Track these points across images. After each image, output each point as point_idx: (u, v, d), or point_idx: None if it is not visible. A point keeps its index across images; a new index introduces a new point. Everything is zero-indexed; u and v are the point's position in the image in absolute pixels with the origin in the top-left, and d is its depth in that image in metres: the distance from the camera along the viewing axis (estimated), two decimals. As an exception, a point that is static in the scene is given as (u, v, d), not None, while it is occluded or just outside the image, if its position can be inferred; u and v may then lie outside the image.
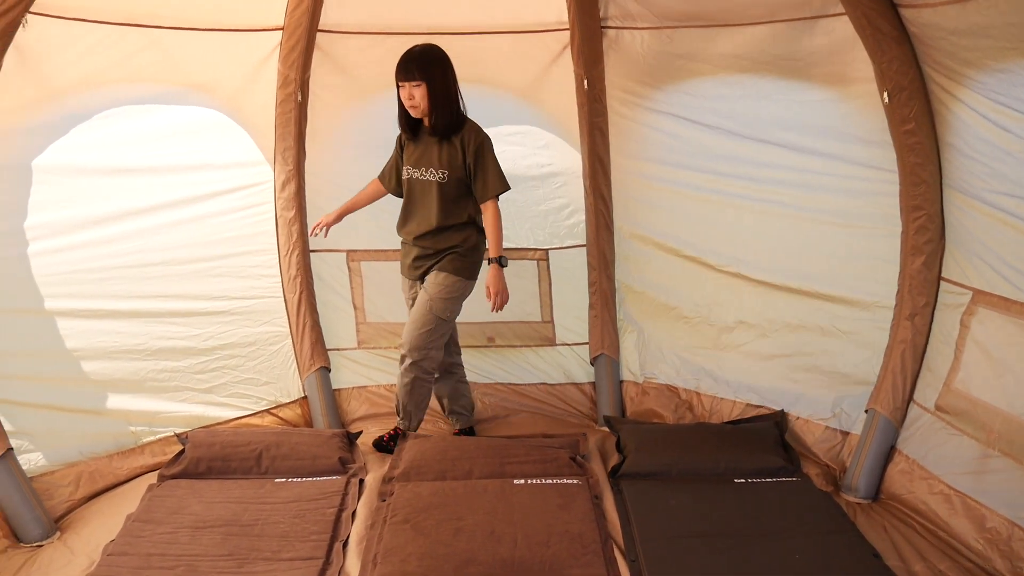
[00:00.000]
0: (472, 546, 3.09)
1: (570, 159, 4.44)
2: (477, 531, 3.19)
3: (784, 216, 3.98)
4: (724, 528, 3.26)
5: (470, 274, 3.82)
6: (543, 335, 4.59)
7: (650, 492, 3.54)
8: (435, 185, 3.71)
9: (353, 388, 4.58)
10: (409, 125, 3.70)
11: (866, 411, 3.69)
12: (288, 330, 4.42)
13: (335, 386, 4.52)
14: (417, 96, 3.56)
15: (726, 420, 4.24)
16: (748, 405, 4.21)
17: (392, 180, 3.93)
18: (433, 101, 3.59)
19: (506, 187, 3.71)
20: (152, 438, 3.93)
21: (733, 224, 4.17)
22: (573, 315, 4.59)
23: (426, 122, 3.68)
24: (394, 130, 4.11)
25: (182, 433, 3.94)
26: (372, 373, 4.58)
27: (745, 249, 4.16)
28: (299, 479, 3.63)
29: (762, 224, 4.07)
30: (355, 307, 4.57)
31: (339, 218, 3.99)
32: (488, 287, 3.77)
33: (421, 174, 3.74)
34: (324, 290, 4.51)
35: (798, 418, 4.03)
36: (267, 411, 4.35)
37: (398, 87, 3.59)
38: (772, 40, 3.78)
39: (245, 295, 4.27)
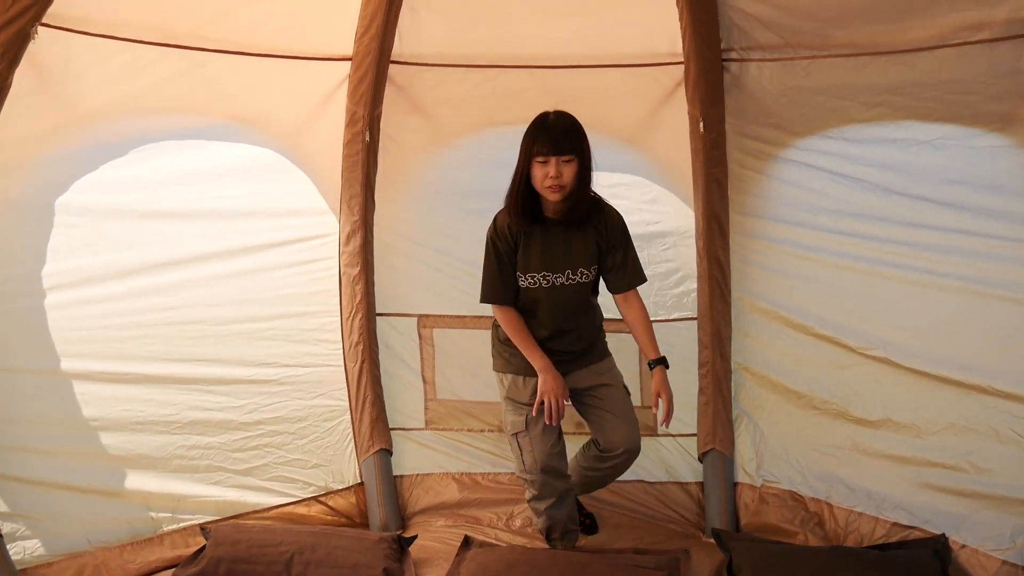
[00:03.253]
0: None
1: (681, 216, 3.92)
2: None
3: (946, 289, 3.35)
4: None
5: None
6: (643, 423, 3.89)
7: (771, 636, 2.82)
8: (579, 287, 3.18)
9: (417, 475, 4.07)
10: (528, 215, 3.09)
11: (1059, 544, 2.96)
12: (346, 405, 3.97)
13: (396, 472, 4.04)
14: (566, 175, 2.98)
15: (868, 543, 3.50)
16: (895, 525, 3.49)
17: (511, 294, 3.21)
18: (582, 180, 3.04)
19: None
20: (174, 526, 3.48)
21: (880, 298, 3.56)
22: (680, 401, 3.77)
23: (552, 209, 3.08)
24: (478, 179, 3.87)
25: (207, 525, 3.47)
26: (440, 459, 4.07)
27: (895, 329, 3.53)
28: (334, 593, 3.03)
29: (918, 299, 3.45)
30: (424, 381, 4.09)
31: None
32: (658, 394, 3.22)
33: (567, 279, 3.15)
34: (390, 360, 4.05)
35: (964, 546, 3.28)
36: (315, 499, 3.85)
37: (531, 163, 2.98)
38: (938, 70, 3.21)
39: (298, 362, 3.85)
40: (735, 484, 3.92)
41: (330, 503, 3.87)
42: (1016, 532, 3.15)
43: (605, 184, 3.77)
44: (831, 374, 3.71)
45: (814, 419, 3.77)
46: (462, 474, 4.03)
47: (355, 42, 3.63)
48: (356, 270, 3.87)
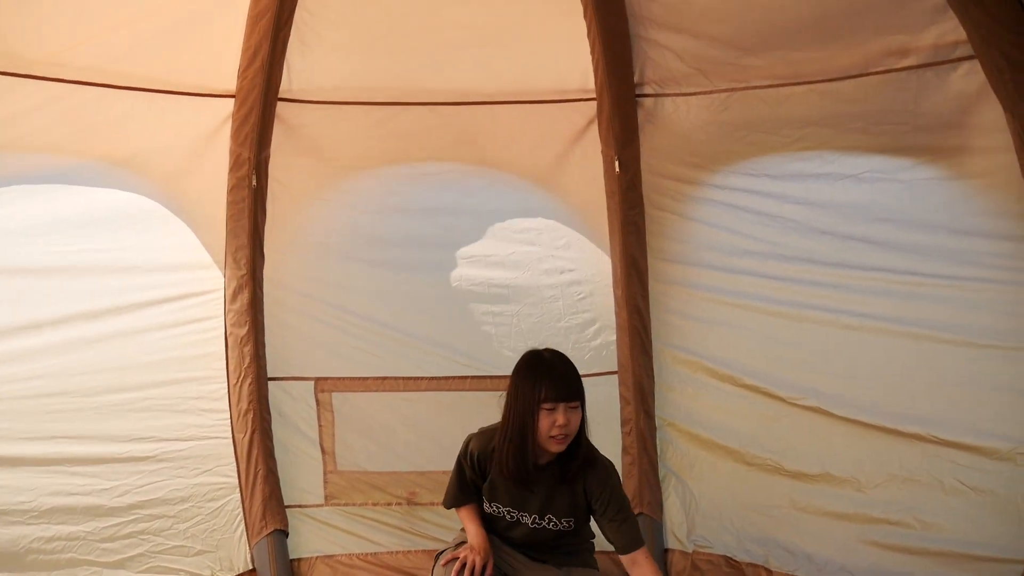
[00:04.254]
0: None
1: (597, 263, 3.88)
2: None
3: (879, 333, 3.35)
4: None
5: None
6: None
7: None
8: (554, 533, 2.91)
9: (317, 557, 3.75)
10: (529, 467, 2.80)
11: (1014, 601, 2.93)
12: (235, 481, 3.67)
13: (293, 555, 3.73)
14: (573, 423, 2.73)
15: None
16: None
17: (472, 498, 3.04)
18: (582, 429, 2.81)
19: None
20: None
21: (810, 345, 3.53)
22: (602, 462, 3.78)
23: (541, 456, 2.83)
24: (379, 227, 3.81)
25: None
26: (342, 538, 3.78)
27: (827, 377, 3.50)
28: None
29: (849, 344, 3.44)
30: (323, 451, 3.82)
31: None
32: None
33: (533, 522, 2.89)
34: (284, 429, 3.78)
35: (913, 610, 3.22)
36: None
37: (537, 410, 2.74)
38: (864, 99, 3.27)
39: (179, 435, 3.56)
40: (665, 551, 3.76)
41: (217, 594, 3.54)
42: (968, 590, 3.11)
43: (514, 229, 3.89)
44: (762, 427, 3.64)
45: (747, 476, 3.67)
46: (368, 554, 3.77)
47: (238, 76, 3.45)
48: (244, 330, 3.64)
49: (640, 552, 2.82)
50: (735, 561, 3.60)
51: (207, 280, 3.64)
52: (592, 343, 3.86)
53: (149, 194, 3.47)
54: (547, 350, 2.85)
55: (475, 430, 3.59)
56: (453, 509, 3.06)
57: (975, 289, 3.13)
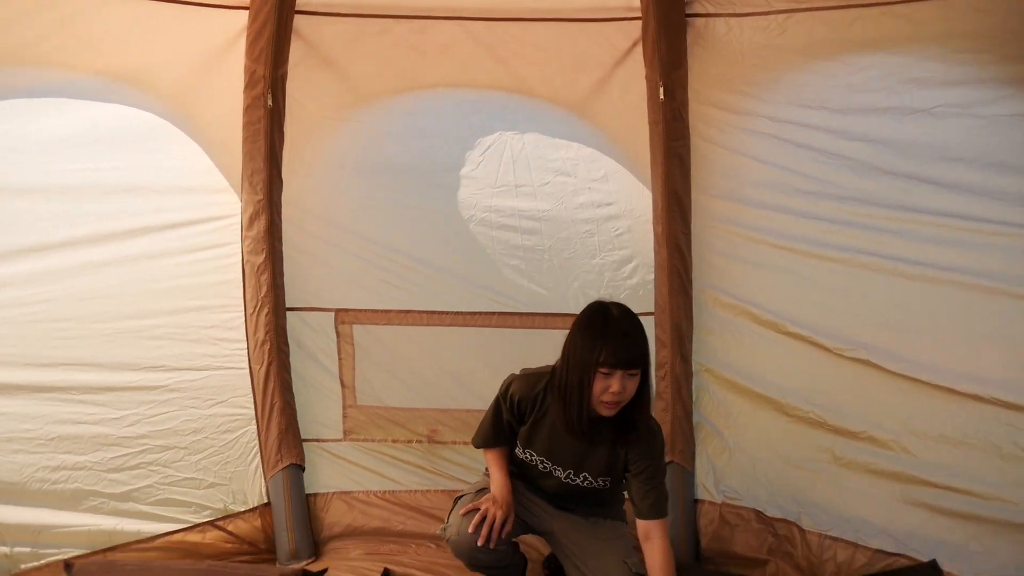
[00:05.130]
0: None
1: (636, 196, 3.67)
2: None
3: (941, 283, 3.13)
4: None
5: None
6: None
7: None
8: (585, 489, 2.86)
9: (333, 493, 3.71)
10: (580, 418, 2.68)
11: (1070, 576, 2.75)
12: (251, 413, 3.57)
13: (310, 490, 3.69)
14: (629, 389, 2.62)
15: (846, 574, 3.21)
16: (878, 552, 3.21)
17: (503, 441, 2.96)
18: (643, 395, 2.70)
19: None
20: (34, 563, 3.04)
21: (864, 293, 3.31)
22: (634, 407, 3.64)
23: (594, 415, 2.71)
24: (403, 150, 3.66)
25: (74, 560, 3.04)
26: (360, 474, 3.72)
27: (880, 329, 3.28)
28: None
29: (907, 295, 3.21)
30: (343, 385, 3.74)
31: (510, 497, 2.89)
32: None
33: (567, 476, 2.83)
34: (302, 361, 3.68)
35: (957, 577, 3.03)
36: (211, 523, 3.44)
37: (593, 372, 2.62)
38: (942, 20, 3.01)
39: (193, 365, 3.45)
40: (696, 501, 3.65)
41: (230, 528, 3.49)
42: (1022, 562, 2.90)
43: (548, 159, 3.68)
44: (806, 378, 3.48)
45: (787, 428, 3.51)
46: (385, 492, 3.73)
47: (252, -15, 3.25)
48: (261, 258, 3.50)
49: (657, 525, 2.71)
50: (766, 517, 3.49)
51: (223, 204, 3.49)
52: (628, 282, 3.70)
53: (157, 111, 3.28)
54: (615, 305, 2.69)
55: (500, 368, 3.48)
56: (481, 450, 2.96)
57: (1056, 240, 2.87)
